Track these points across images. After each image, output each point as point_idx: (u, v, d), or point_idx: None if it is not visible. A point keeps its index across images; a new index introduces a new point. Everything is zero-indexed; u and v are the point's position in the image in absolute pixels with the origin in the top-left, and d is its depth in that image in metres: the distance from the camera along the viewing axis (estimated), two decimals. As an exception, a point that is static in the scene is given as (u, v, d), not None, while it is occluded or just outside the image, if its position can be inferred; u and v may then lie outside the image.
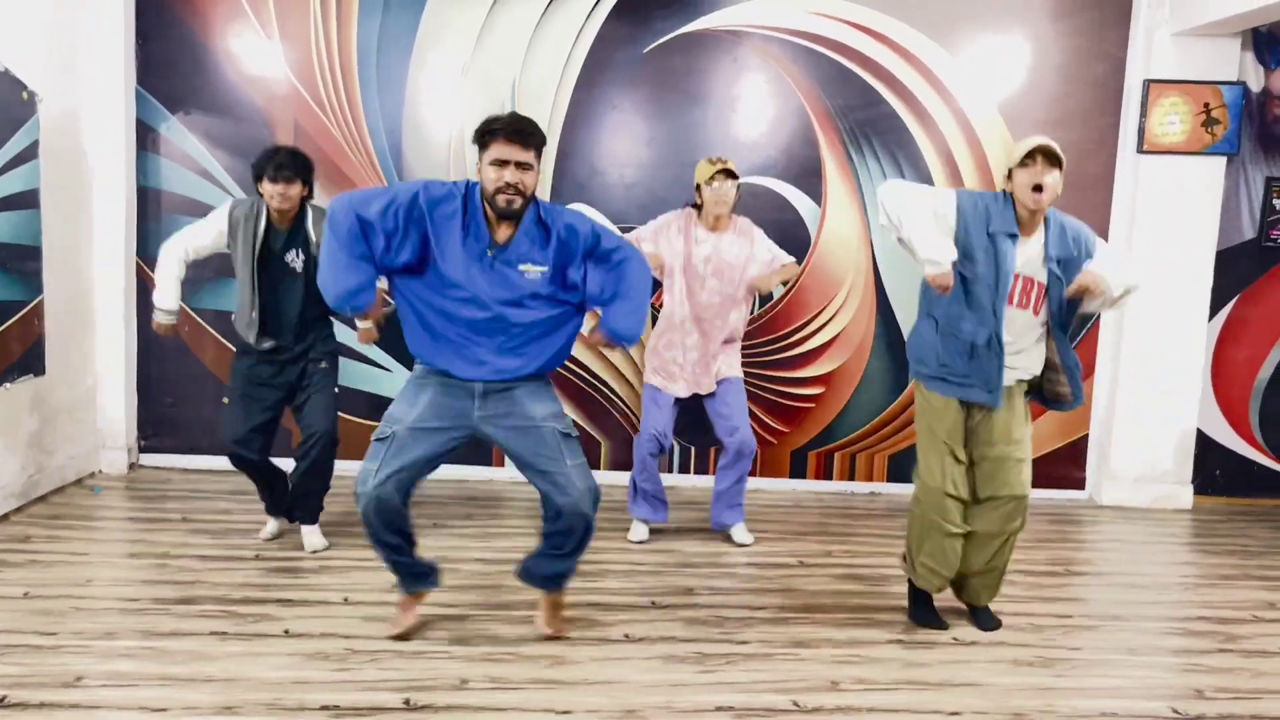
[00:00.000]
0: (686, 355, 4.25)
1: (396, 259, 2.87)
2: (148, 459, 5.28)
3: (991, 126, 5.20)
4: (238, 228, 3.87)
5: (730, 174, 4.15)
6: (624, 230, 4.38)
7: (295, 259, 3.92)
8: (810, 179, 5.23)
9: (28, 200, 4.45)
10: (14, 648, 3.05)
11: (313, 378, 4.02)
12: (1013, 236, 3.13)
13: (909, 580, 3.55)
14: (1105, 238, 5.28)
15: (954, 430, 3.31)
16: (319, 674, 2.95)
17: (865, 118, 5.19)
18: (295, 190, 3.85)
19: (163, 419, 5.26)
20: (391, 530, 3.05)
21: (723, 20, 5.14)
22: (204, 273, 5.13)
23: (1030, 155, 3.07)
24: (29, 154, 4.43)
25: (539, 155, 2.91)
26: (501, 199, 2.84)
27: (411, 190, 2.89)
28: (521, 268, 2.92)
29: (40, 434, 4.61)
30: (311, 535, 4.10)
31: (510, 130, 2.84)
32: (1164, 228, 5.17)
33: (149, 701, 2.74)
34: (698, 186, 4.21)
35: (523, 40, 5.11)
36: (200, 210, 5.08)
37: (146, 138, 5.09)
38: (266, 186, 3.82)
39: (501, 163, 2.83)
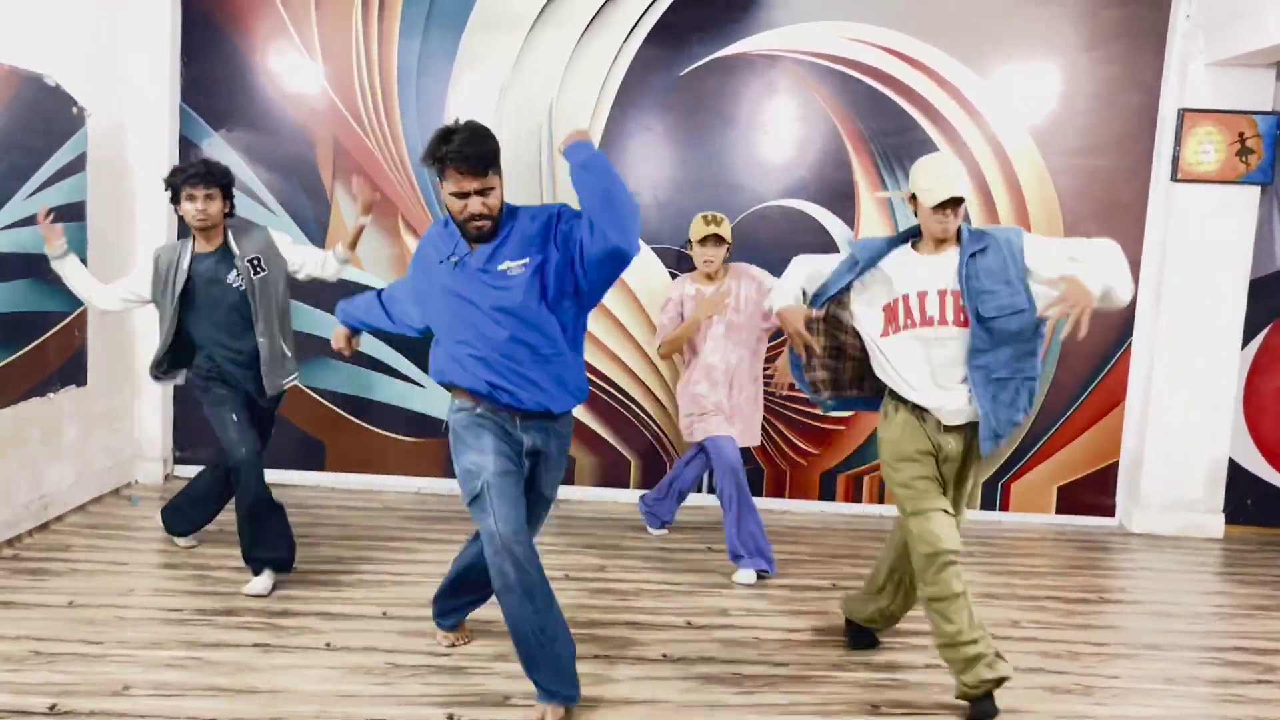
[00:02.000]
0: (712, 400, 4.30)
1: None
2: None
3: (1025, 152, 5.22)
4: (163, 271, 3.72)
5: (720, 239, 4.27)
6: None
7: (238, 278, 3.73)
8: (843, 202, 5.26)
9: (75, 212, 4.52)
10: (61, 656, 3.09)
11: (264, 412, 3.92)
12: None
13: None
14: (1138, 266, 5.30)
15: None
16: (363, 688, 2.98)
17: (899, 142, 5.22)
18: (215, 207, 3.65)
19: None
20: (534, 582, 2.80)
21: (758, 45, 5.19)
22: (242, 287, 5.21)
23: (940, 207, 2.93)
24: (76, 166, 4.51)
25: (498, 170, 2.75)
26: (472, 228, 2.76)
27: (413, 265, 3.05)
28: (501, 267, 2.76)
29: (80, 444, 4.67)
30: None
31: (460, 159, 2.65)
32: (1197, 256, 5.17)
33: (197, 712, 2.77)
34: (689, 241, 4.36)
35: (560, 63, 5.17)
36: (240, 225, 5.17)
37: (189, 153, 5.16)
38: (185, 206, 3.63)
39: (461, 194, 2.69)
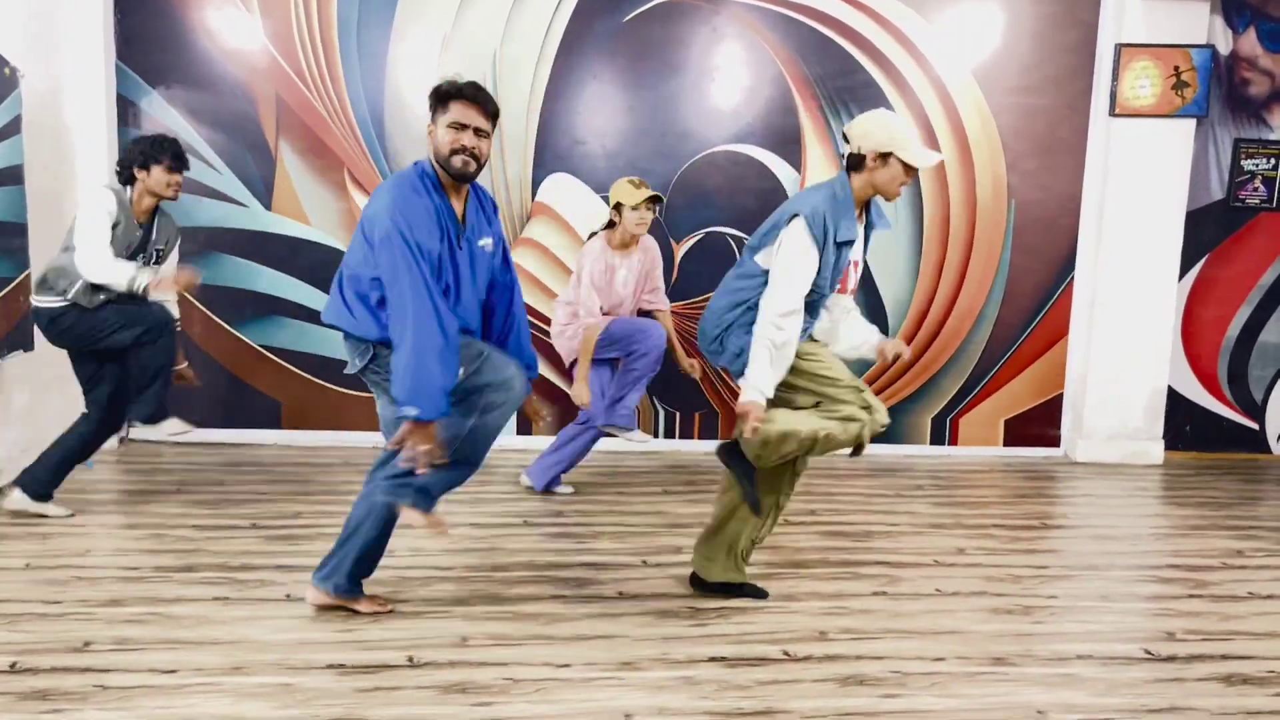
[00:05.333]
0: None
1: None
2: (138, 433, 5.30)
3: (967, 93, 5.28)
4: (119, 217, 3.84)
5: (659, 198, 4.28)
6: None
7: (142, 258, 3.96)
8: (789, 146, 5.30)
9: (12, 176, 4.44)
10: (20, 616, 3.10)
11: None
12: (851, 244, 3.04)
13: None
14: (1079, 201, 5.41)
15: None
16: (323, 635, 3.03)
17: (843, 85, 5.26)
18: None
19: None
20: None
21: (701, -11, 5.18)
22: (190, 248, 5.15)
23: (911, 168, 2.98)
24: (12, 129, 4.42)
25: (494, 128, 2.89)
26: (458, 160, 2.79)
27: (403, 238, 2.75)
28: (481, 243, 2.94)
29: (31, 409, 4.63)
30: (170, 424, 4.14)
31: (472, 94, 2.80)
32: (1135, 190, 5.28)
33: (159, 664, 2.81)
34: (617, 206, 4.25)
35: (503, 11, 5.13)
36: (183, 185, 5.10)
37: (128, 112, 5.09)
38: (160, 176, 3.84)
39: (460, 125, 2.79)
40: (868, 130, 3.00)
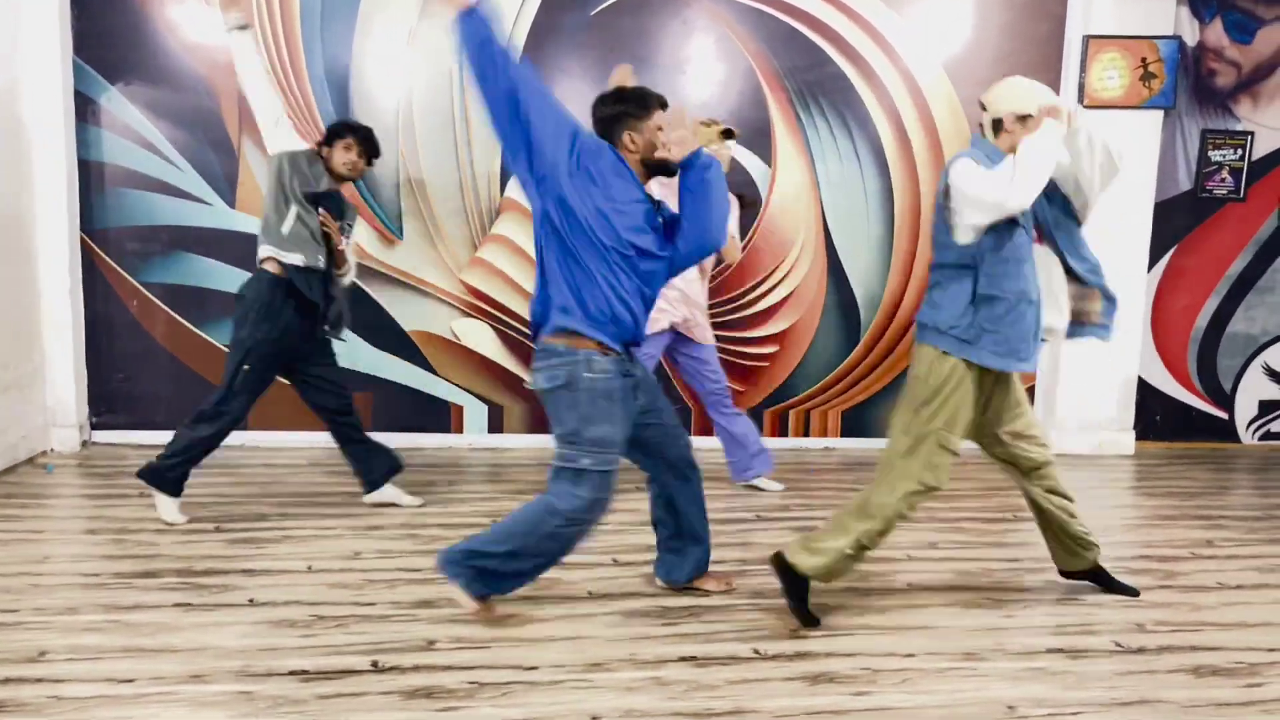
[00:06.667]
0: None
1: (563, 183, 2.88)
2: (100, 436, 5.22)
3: (937, 85, 5.26)
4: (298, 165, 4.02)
5: (730, 134, 4.24)
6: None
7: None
8: (760, 140, 5.27)
9: (-35, 175, 4.36)
10: (-26, 626, 3.03)
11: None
12: None
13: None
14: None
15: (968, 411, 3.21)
16: (286, 640, 2.97)
17: (813, 78, 5.23)
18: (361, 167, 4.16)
19: (114, 395, 5.20)
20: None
21: (669, -19, 5.14)
22: (153, 247, 5.09)
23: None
24: (-35, 127, 4.34)
25: None
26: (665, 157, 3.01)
27: (570, 125, 2.95)
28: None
29: (-13, 413, 4.55)
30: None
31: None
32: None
33: (116, 673, 2.75)
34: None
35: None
36: (145, 183, 5.05)
37: (86, 109, 4.99)
38: (338, 155, 4.04)
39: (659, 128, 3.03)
40: (1004, 95, 3.10)
